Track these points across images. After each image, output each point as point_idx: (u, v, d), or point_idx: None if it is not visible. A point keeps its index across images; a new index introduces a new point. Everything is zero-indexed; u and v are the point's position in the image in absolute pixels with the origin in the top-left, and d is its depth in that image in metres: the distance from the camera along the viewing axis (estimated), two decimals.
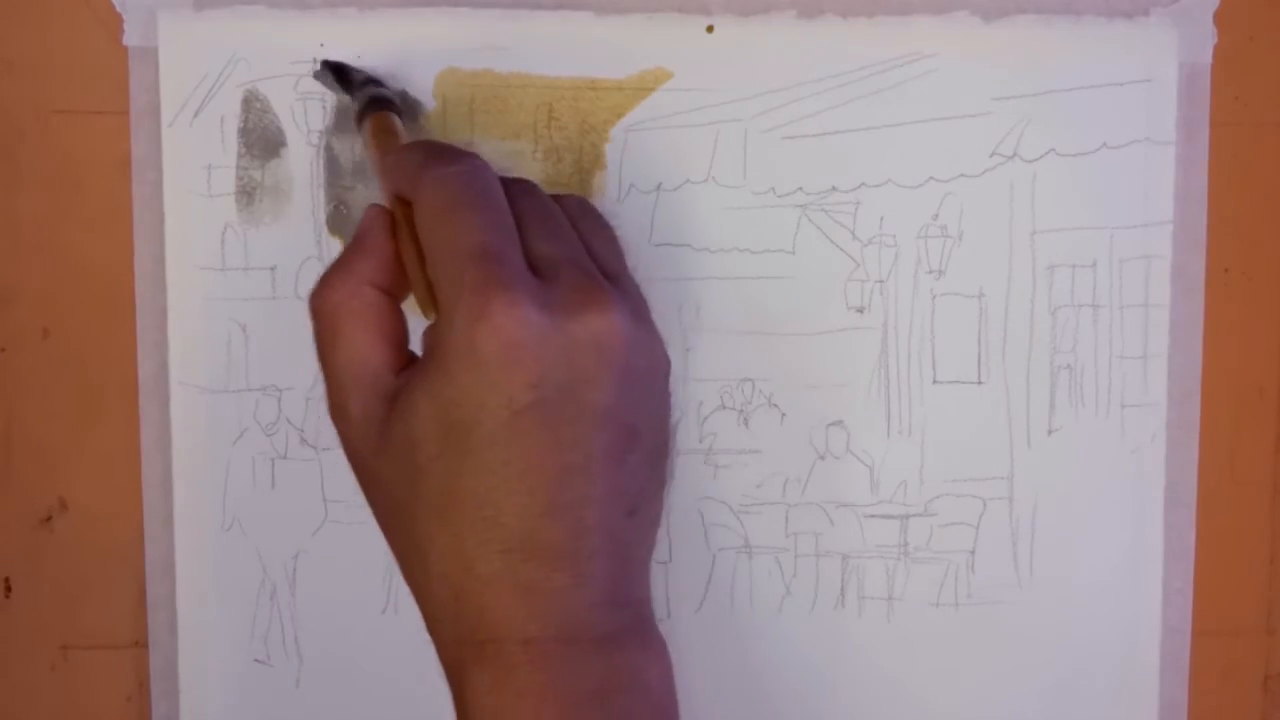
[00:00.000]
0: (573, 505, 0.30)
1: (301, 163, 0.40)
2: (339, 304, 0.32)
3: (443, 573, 0.31)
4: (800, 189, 0.41)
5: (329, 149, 0.40)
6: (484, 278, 0.30)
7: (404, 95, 0.39)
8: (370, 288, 0.32)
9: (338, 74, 0.38)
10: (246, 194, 0.40)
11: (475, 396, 0.30)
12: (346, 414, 0.32)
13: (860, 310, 0.41)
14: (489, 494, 0.30)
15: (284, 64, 0.39)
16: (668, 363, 0.34)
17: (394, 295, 0.33)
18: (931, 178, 0.41)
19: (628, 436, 0.31)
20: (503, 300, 0.29)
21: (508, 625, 0.30)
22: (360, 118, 0.37)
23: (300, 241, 0.40)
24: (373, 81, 0.38)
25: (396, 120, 0.36)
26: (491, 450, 0.30)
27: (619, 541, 0.31)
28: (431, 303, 0.31)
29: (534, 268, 0.31)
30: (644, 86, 0.40)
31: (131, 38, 0.39)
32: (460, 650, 0.31)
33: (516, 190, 0.33)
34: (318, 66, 0.39)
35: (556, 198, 0.34)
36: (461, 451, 0.30)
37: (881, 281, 0.41)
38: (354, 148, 0.40)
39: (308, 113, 0.39)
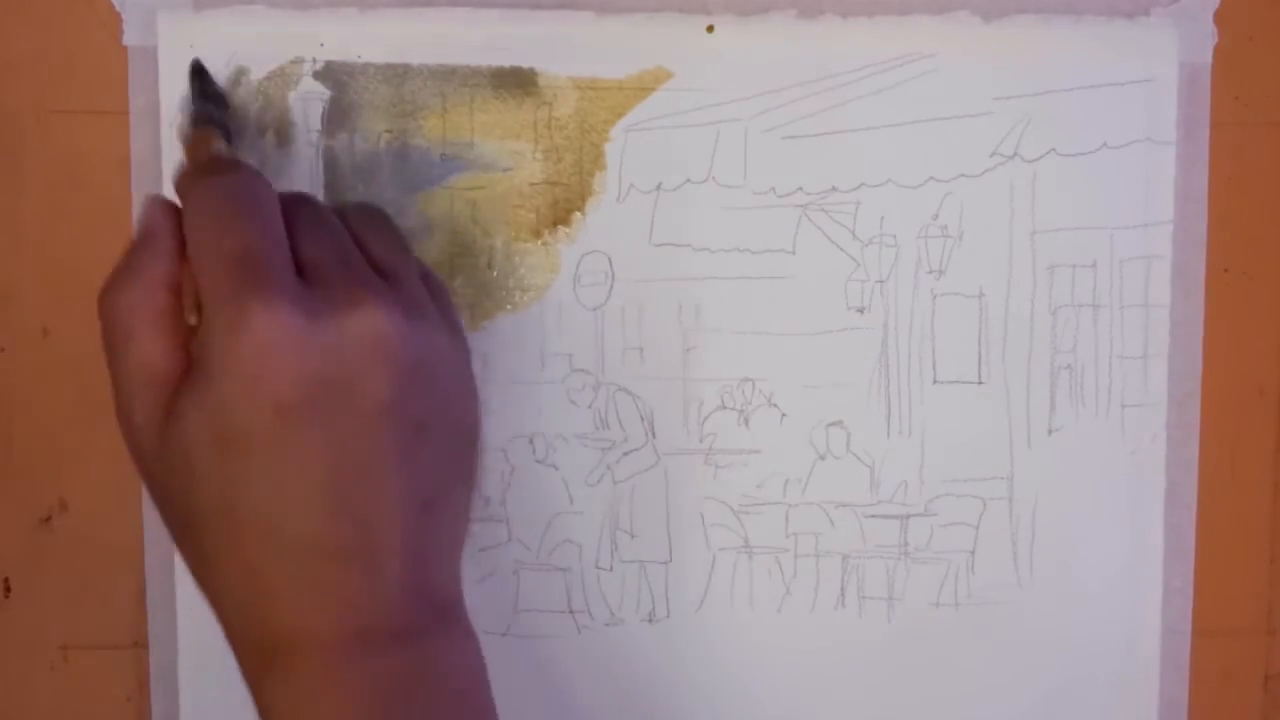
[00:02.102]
0: (357, 504, 0.30)
1: (301, 163, 0.40)
2: (132, 307, 0.32)
3: (230, 581, 0.31)
4: (800, 189, 0.41)
5: (329, 149, 0.40)
6: (243, 283, 0.30)
7: (247, 115, 0.39)
8: (164, 290, 0.32)
9: (198, 78, 0.38)
10: None
11: (240, 402, 0.30)
12: (131, 419, 0.32)
13: (860, 310, 0.41)
14: (267, 498, 0.30)
15: (284, 64, 0.39)
16: (460, 352, 0.33)
17: (188, 293, 0.33)
18: (931, 178, 0.41)
19: (413, 430, 0.31)
20: (260, 303, 0.29)
21: (298, 628, 0.30)
22: (184, 132, 0.37)
23: None
24: (216, 100, 0.38)
25: (219, 141, 0.36)
26: (264, 454, 0.30)
27: (414, 536, 0.31)
28: (195, 307, 0.31)
29: (302, 273, 0.31)
30: (644, 86, 0.40)
31: (131, 37, 0.39)
32: (255, 657, 0.31)
33: (290, 200, 0.33)
34: (191, 66, 0.39)
35: (341, 206, 0.35)
36: (234, 458, 0.30)
37: (882, 281, 0.41)
38: (354, 147, 0.40)
39: (307, 113, 0.40)
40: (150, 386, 0.31)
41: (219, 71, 0.39)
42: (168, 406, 0.31)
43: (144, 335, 0.31)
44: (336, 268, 0.31)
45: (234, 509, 0.30)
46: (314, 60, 0.39)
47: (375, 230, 0.34)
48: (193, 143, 0.36)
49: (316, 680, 0.30)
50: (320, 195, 0.40)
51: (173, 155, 0.39)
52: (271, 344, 0.29)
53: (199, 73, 0.38)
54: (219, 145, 0.36)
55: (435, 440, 0.32)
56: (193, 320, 0.31)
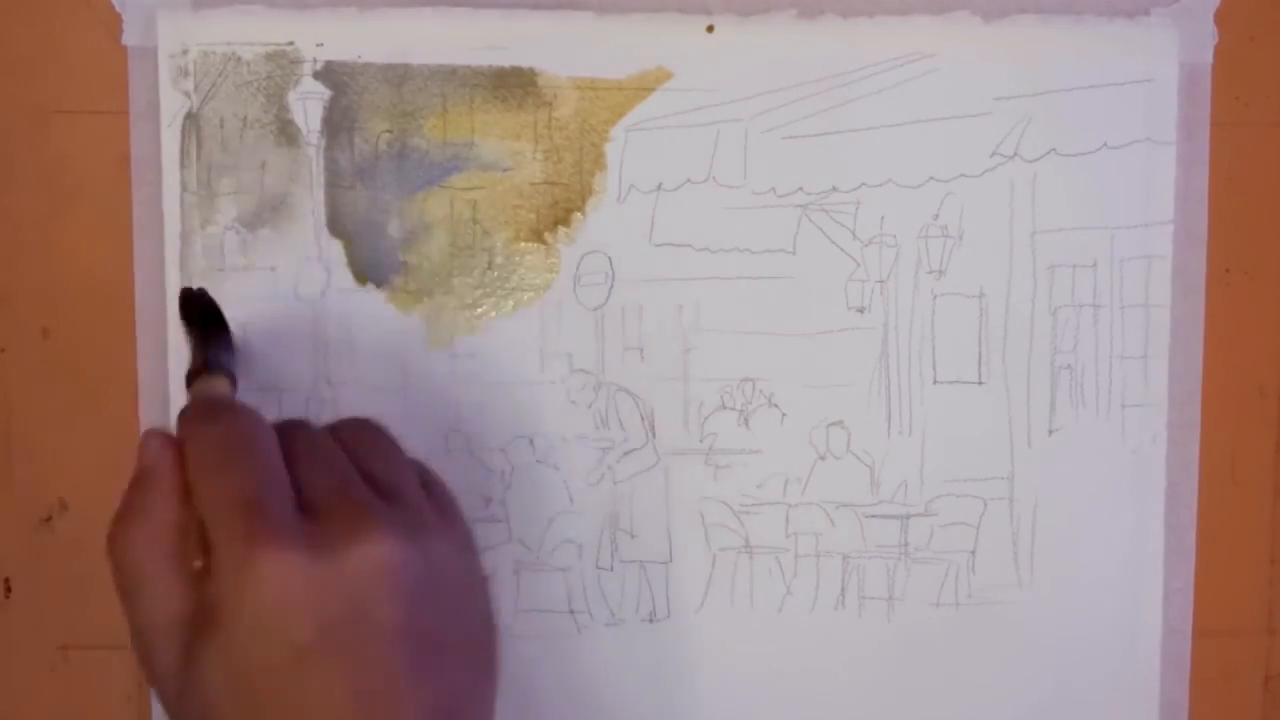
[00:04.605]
0: None
1: (301, 162, 0.40)
2: (142, 551, 0.32)
3: None
4: (800, 189, 0.41)
5: (329, 149, 0.40)
6: (247, 528, 0.30)
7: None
8: (172, 532, 0.32)
9: (201, 317, 0.38)
10: (247, 194, 0.40)
11: (257, 648, 0.30)
12: (152, 665, 0.32)
13: (861, 310, 0.41)
14: None
15: (283, 64, 0.39)
16: (465, 557, 0.34)
17: (192, 532, 0.33)
18: (932, 178, 0.41)
19: (428, 647, 0.31)
20: (266, 548, 0.30)
21: None
22: (189, 379, 0.37)
23: (300, 241, 0.40)
24: (225, 342, 0.38)
25: (224, 385, 0.36)
26: (285, 695, 0.30)
27: None
28: (200, 548, 0.31)
29: (303, 506, 0.31)
30: (644, 86, 0.40)
31: (131, 37, 0.39)
32: None
33: (287, 429, 0.33)
34: (191, 301, 0.39)
35: (335, 425, 0.35)
36: (256, 701, 0.30)
37: (882, 281, 0.41)
38: (354, 147, 0.40)
39: (308, 112, 0.40)
40: (168, 632, 0.31)
41: (217, 71, 0.39)
42: (187, 649, 0.31)
43: (157, 581, 0.32)
44: (335, 497, 0.32)
45: None
46: (314, 60, 0.39)
47: (371, 447, 0.34)
48: (199, 386, 0.36)
49: None
50: (320, 195, 0.40)
51: (172, 156, 0.39)
52: (281, 588, 0.30)
53: (204, 311, 0.38)
54: (223, 389, 0.35)
55: (451, 651, 0.32)
56: (198, 564, 0.31)
